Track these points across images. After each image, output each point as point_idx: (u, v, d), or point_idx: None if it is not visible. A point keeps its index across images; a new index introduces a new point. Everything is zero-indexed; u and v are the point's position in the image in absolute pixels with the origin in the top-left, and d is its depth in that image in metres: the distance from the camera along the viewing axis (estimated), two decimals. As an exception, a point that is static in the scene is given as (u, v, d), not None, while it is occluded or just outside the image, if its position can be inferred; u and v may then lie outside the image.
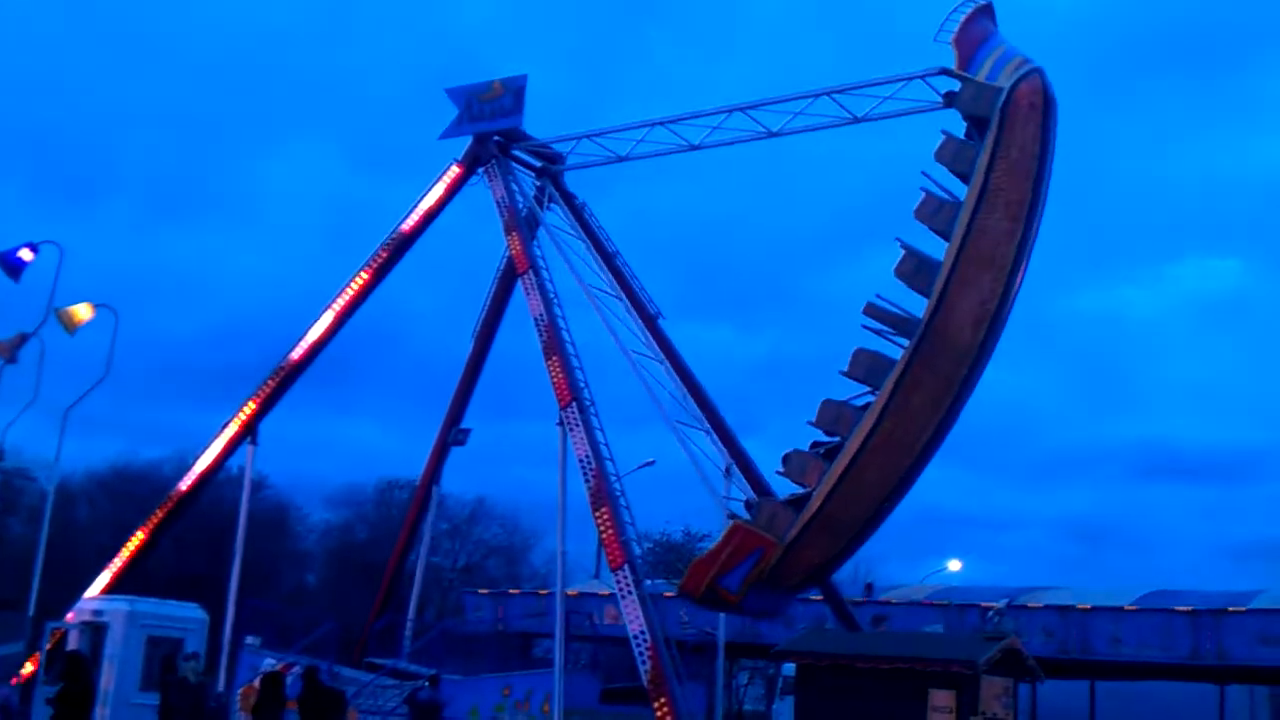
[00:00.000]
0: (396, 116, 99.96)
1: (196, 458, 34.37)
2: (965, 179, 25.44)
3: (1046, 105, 25.17)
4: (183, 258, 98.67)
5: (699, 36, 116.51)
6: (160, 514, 33.68)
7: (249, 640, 30.34)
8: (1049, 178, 25.14)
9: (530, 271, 31.24)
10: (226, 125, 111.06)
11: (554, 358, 29.59)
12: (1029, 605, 35.29)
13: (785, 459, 26.23)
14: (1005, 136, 25.01)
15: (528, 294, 31.15)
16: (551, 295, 31.03)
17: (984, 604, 34.85)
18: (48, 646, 25.01)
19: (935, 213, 25.41)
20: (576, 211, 34.97)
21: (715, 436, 33.87)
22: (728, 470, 33.12)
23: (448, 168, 34.05)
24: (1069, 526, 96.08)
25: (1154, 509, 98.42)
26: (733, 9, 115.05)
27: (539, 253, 32.45)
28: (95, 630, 25.90)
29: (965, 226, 24.76)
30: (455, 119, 33.83)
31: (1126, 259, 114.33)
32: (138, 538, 33.25)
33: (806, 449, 26.23)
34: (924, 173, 25.65)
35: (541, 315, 30.35)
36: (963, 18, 27.23)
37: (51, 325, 26.16)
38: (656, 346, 34.31)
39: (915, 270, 25.44)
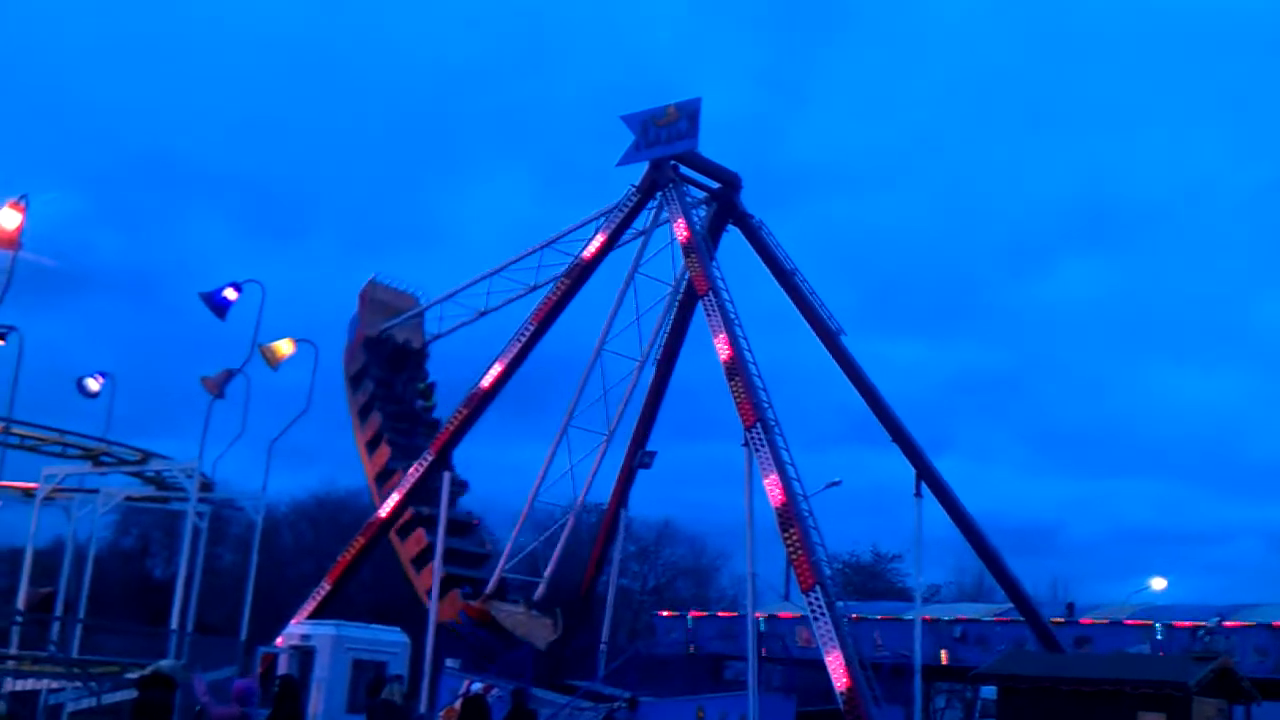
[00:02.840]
0: (584, 143, 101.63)
1: (394, 486, 35.38)
2: None
3: None
4: (386, 278, 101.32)
5: (881, 50, 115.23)
6: (361, 541, 34.70)
7: (449, 663, 31.01)
8: None
9: (711, 293, 31.28)
10: (422, 159, 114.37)
11: (737, 379, 29.55)
12: (1241, 623, 33.72)
13: None
14: None
15: (709, 315, 31.21)
16: (732, 316, 31.03)
17: (1193, 623, 33.51)
18: (259, 671, 25.94)
19: None
20: (752, 231, 34.98)
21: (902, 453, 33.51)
22: (918, 488, 32.66)
23: (626, 194, 34.43)
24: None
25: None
26: (920, 15, 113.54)
27: (718, 274, 32.51)
28: (304, 654, 26.83)
29: None
30: (632, 145, 34.17)
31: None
32: (340, 564, 34.31)
33: None
34: None
35: (723, 336, 30.35)
36: None
37: (256, 361, 27.15)
38: (838, 363, 34.11)
39: None
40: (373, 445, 39.88)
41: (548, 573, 36.37)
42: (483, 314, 39.18)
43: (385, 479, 37.62)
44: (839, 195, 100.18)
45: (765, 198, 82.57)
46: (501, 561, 35.97)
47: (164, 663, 15.38)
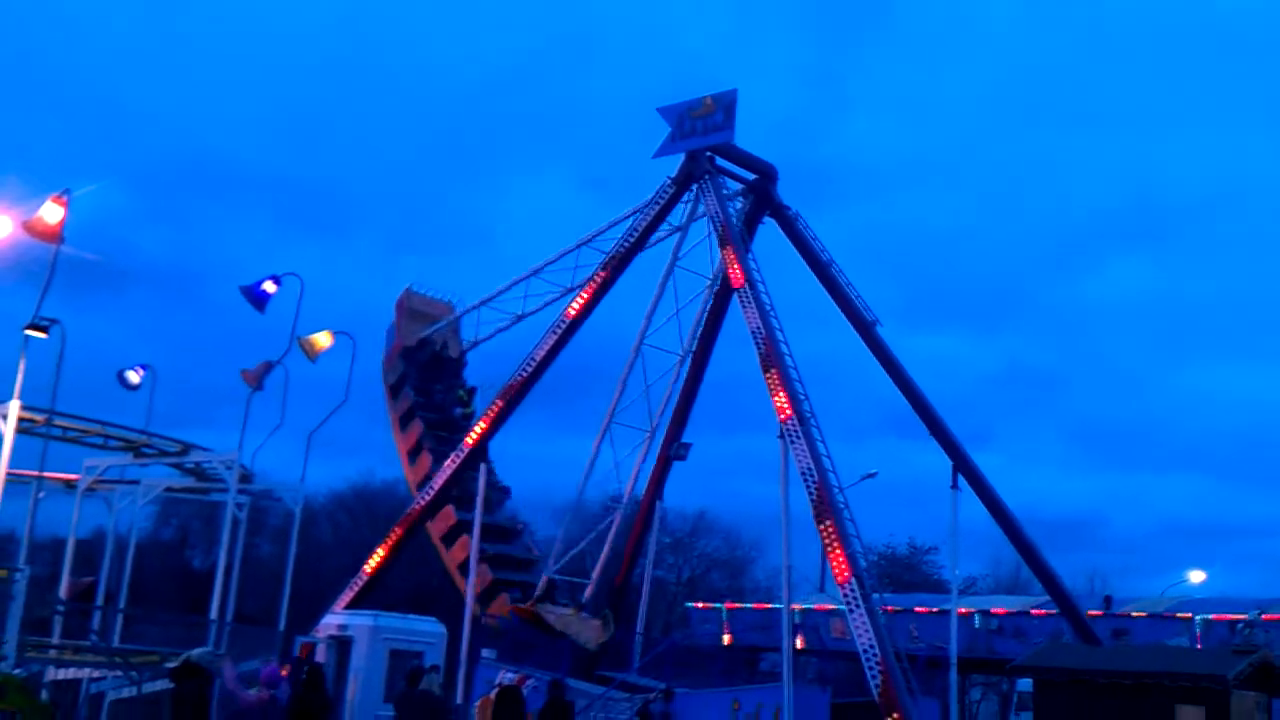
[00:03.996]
0: (626, 143, 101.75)
1: (432, 477, 35.57)
2: None
3: None
4: (429, 286, 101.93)
5: (925, 48, 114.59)
6: (398, 532, 34.91)
7: (485, 653, 31.13)
8: None
9: (747, 285, 31.24)
10: (463, 157, 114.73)
11: (773, 371, 29.52)
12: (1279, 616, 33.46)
13: None
14: None
15: (744, 308, 31.16)
16: (768, 308, 30.98)
17: (1232, 615, 33.28)
18: (296, 658, 26.14)
19: None
20: (788, 223, 34.92)
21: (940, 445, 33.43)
22: (955, 480, 32.58)
23: (662, 185, 34.44)
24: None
25: None
26: (964, 14, 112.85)
27: (754, 266, 32.46)
28: (341, 644, 27.00)
29: None
30: (668, 137, 34.16)
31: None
32: (378, 555, 34.53)
33: None
34: None
35: (759, 329, 30.31)
36: None
37: (295, 353, 27.32)
38: (874, 355, 34.02)
39: None
40: (414, 454, 40.00)
41: (595, 573, 36.35)
42: (520, 318, 39.07)
43: (427, 486, 37.80)
44: (883, 192, 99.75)
45: (808, 194, 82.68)
46: (551, 561, 35.90)
47: (195, 651, 15.50)
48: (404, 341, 41.32)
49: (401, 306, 42.01)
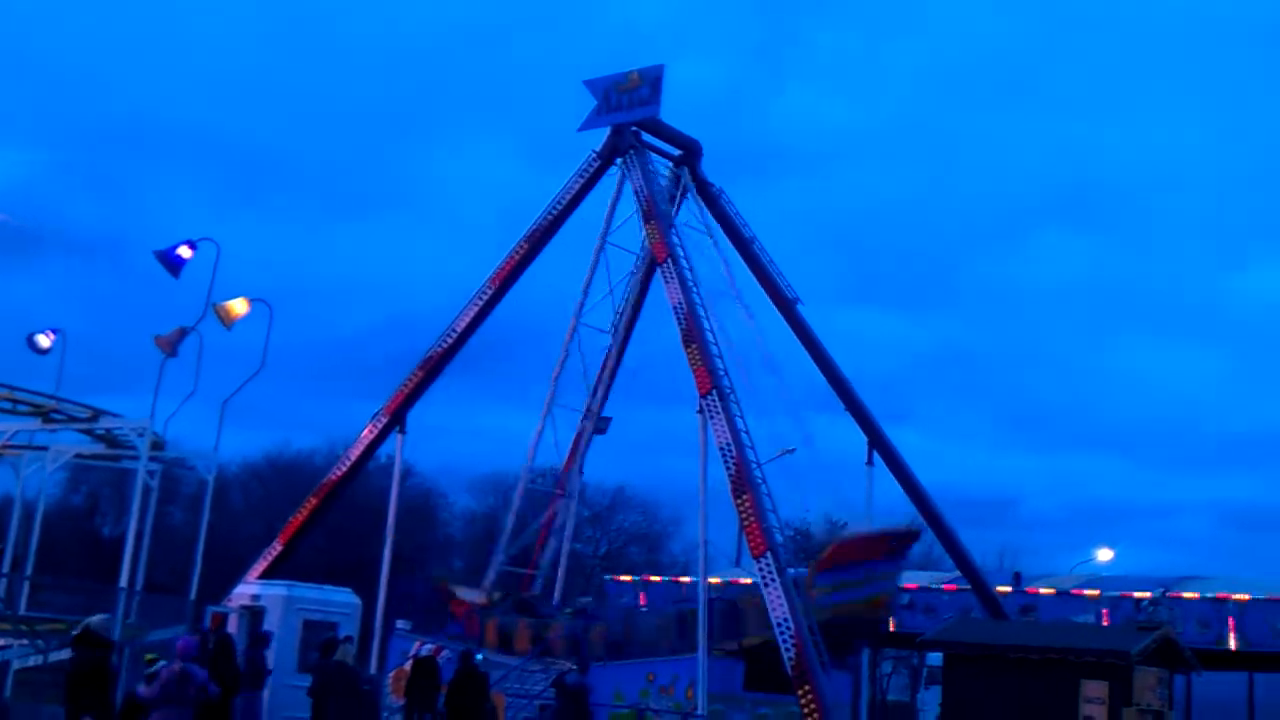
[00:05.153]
0: (568, 112, 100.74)
1: (347, 447, 35.28)
2: None
3: None
4: (353, 255, 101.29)
5: (863, 24, 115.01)
6: (313, 502, 34.58)
7: (399, 625, 31.03)
8: None
9: (669, 261, 31.31)
10: (401, 123, 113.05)
11: (693, 346, 29.63)
12: (1184, 595, 34.33)
13: None
14: None
15: (666, 283, 31.24)
16: (690, 284, 31.07)
17: (1137, 594, 34.05)
18: (208, 629, 25.92)
19: None
20: (712, 199, 35.00)
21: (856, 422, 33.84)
22: (870, 456, 33.01)
23: (587, 159, 34.34)
24: (1229, 514, 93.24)
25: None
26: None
27: (677, 241, 32.51)
28: (254, 614, 26.78)
29: None
30: (594, 110, 34.05)
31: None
32: (292, 524, 34.20)
33: None
34: None
35: (681, 304, 30.41)
36: None
37: (210, 320, 26.96)
38: (794, 333, 34.27)
39: None
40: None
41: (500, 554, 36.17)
42: None
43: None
44: (819, 168, 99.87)
45: (742, 171, 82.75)
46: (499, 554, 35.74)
47: (95, 618, 15.26)
48: None
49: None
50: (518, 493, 36.35)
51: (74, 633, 15.31)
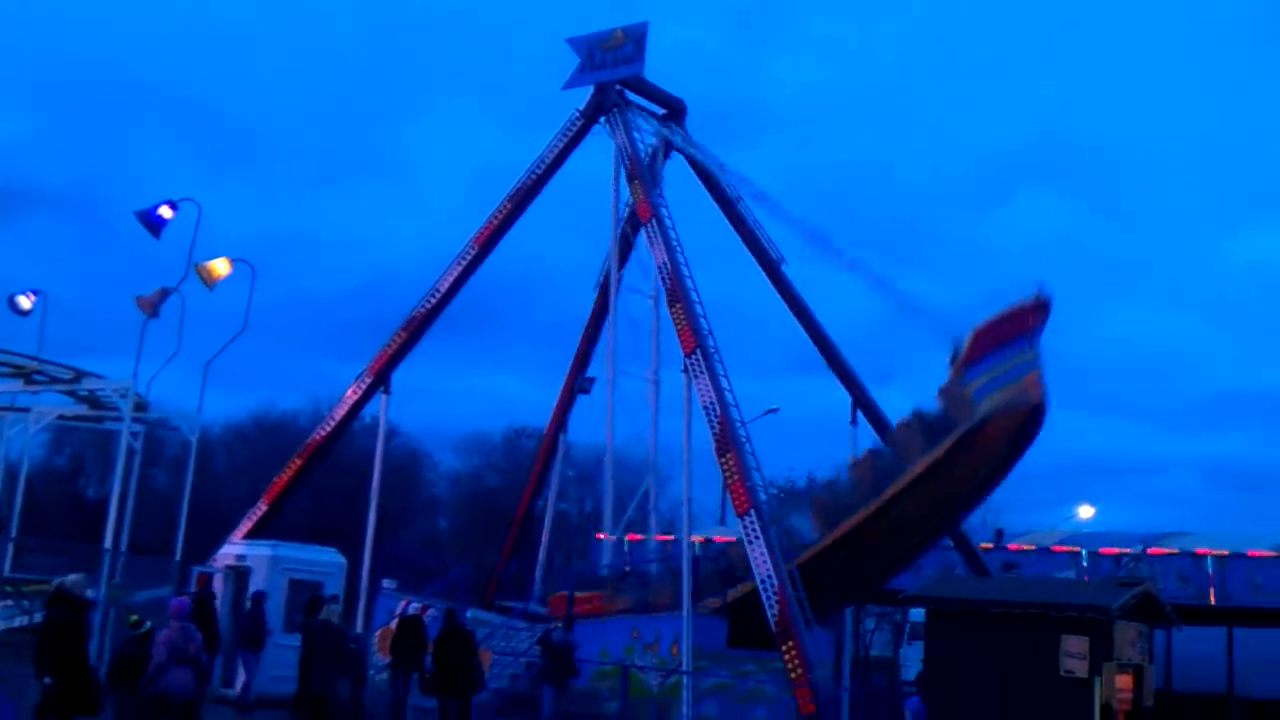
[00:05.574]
0: (541, 72, 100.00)
1: (332, 408, 35.25)
2: None
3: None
4: (333, 215, 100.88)
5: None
6: (298, 463, 34.58)
7: (385, 584, 31.12)
8: None
9: (654, 220, 31.25)
10: (380, 86, 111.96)
11: (678, 305, 29.65)
12: (1164, 551, 34.63)
13: None
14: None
15: (651, 242, 31.20)
16: (675, 243, 31.01)
17: (1118, 550, 34.32)
18: (194, 590, 25.94)
19: None
20: (695, 159, 34.86)
21: (840, 381, 33.91)
22: (854, 415, 33.12)
23: (570, 118, 34.15)
24: (1213, 471, 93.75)
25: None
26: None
27: (662, 200, 32.43)
28: (239, 574, 26.82)
29: None
30: (577, 68, 33.91)
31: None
32: (277, 484, 34.21)
33: None
34: None
35: (665, 263, 30.40)
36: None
37: (192, 280, 26.79)
38: (779, 293, 34.27)
39: None
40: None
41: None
42: None
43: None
44: (803, 129, 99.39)
45: (726, 132, 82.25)
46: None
47: (69, 578, 15.21)
48: None
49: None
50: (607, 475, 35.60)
51: (49, 592, 15.32)
